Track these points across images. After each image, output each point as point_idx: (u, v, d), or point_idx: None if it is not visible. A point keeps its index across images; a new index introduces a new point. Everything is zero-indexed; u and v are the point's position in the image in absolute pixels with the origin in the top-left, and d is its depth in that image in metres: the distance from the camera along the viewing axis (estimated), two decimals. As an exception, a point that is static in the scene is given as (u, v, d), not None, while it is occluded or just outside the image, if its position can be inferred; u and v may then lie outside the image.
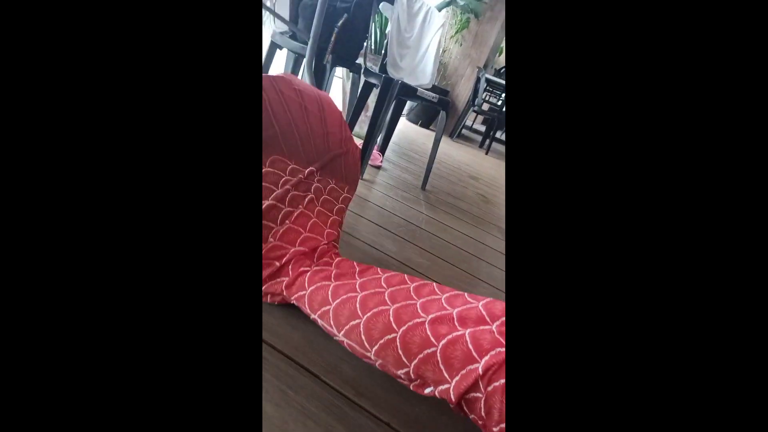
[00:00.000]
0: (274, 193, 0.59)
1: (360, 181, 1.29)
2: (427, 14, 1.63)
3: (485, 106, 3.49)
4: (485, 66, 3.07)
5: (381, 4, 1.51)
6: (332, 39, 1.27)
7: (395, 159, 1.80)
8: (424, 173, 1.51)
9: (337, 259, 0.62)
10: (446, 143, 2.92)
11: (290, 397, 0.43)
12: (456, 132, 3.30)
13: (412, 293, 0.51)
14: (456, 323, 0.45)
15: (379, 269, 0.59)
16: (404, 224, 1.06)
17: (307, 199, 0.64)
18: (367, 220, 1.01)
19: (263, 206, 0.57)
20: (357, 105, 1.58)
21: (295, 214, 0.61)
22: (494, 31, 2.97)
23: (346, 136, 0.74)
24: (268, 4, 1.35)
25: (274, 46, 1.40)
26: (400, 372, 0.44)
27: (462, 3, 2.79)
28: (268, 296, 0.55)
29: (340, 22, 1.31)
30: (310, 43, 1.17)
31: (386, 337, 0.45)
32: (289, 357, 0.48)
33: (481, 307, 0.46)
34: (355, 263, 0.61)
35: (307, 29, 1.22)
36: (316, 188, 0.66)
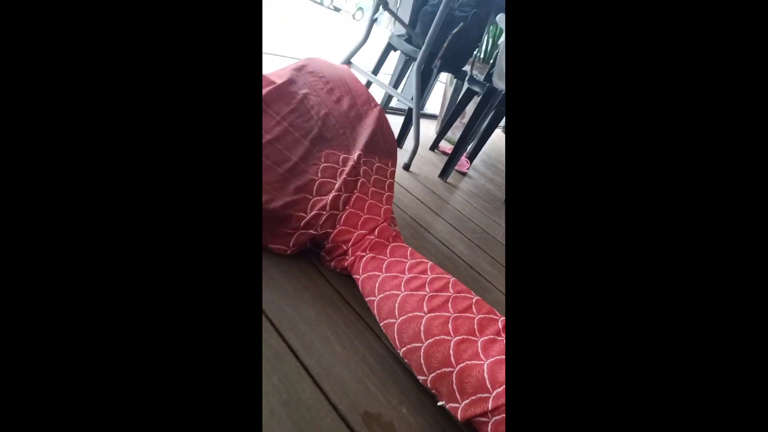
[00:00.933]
0: (336, 186, 0.67)
1: (443, 183, 1.33)
2: (546, 27, 1.58)
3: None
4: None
5: (498, 15, 1.51)
6: (444, 45, 1.34)
7: (482, 169, 1.79)
8: (510, 187, 1.49)
9: (393, 244, 0.68)
10: (540, 162, 2.77)
11: (355, 344, 0.51)
12: (554, 152, 3.09)
13: (449, 305, 0.54)
14: (479, 350, 0.47)
15: (429, 266, 0.63)
16: (479, 231, 1.08)
17: (359, 183, 0.71)
18: (444, 219, 1.05)
19: (330, 197, 0.65)
20: (455, 110, 1.61)
21: (353, 199, 0.69)
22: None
23: (375, 107, 0.80)
24: (390, 7, 1.47)
25: (389, 47, 1.52)
26: (420, 378, 0.47)
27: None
28: (337, 268, 0.64)
29: (456, 29, 1.36)
30: (423, 47, 1.25)
31: (413, 344, 0.48)
32: (358, 314, 0.56)
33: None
34: (408, 252, 0.66)
35: (423, 34, 1.30)
36: (364, 171, 0.73)
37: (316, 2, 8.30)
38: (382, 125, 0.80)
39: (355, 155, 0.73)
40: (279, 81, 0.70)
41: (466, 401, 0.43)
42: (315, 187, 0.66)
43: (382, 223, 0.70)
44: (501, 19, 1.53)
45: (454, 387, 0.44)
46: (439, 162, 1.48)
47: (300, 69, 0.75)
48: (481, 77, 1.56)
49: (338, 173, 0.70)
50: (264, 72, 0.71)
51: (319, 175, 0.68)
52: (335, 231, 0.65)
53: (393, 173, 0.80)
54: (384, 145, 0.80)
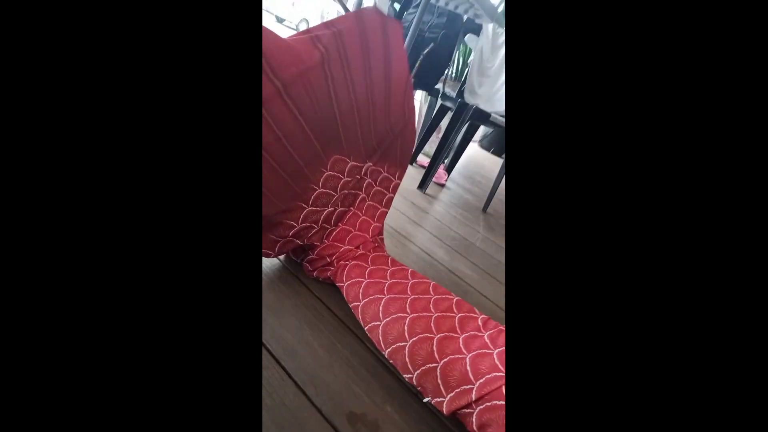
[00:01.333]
0: (334, 199, 0.65)
1: (422, 194, 1.37)
2: (510, 46, 1.69)
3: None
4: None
5: (467, 35, 1.61)
6: (416, 65, 1.40)
7: (460, 180, 1.85)
8: (487, 196, 1.54)
9: (374, 254, 0.69)
10: (516, 173, 2.87)
11: (338, 349, 0.51)
12: (528, 163, 3.22)
13: (431, 306, 0.56)
14: (461, 345, 0.49)
15: (409, 272, 0.64)
16: (459, 238, 1.11)
17: (359, 199, 0.70)
18: (424, 229, 1.07)
19: (325, 212, 0.64)
20: (430, 126, 1.68)
21: (348, 216, 0.69)
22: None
23: (408, 99, 0.71)
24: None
25: (364, 68, 1.58)
26: (405, 376, 0.48)
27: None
28: (320, 278, 0.65)
29: (426, 50, 1.44)
30: (396, 67, 1.31)
31: (398, 344, 0.50)
32: (341, 319, 0.57)
33: (486, 338, 0.51)
34: (389, 259, 0.68)
35: (395, 55, 1.37)
36: (368, 184, 0.71)
37: (291, 28, 8.53)
38: (406, 126, 0.72)
39: (364, 167, 0.68)
40: (312, 59, 0.53)
41: (451, 394, 0.44)
42: (313, 197, 0.61)
43: (368, 239, 0.71)
44: (470, 39, 1.63)
45: (439, 381, 0.45)
46: (418, 175, 1.52)
47: (343, 34, 0.57)
48: (453, 94, 1.63)
49: (339, 186, 0.65)
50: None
51: (320, 185, 0.62)
52: (322, 245, 0.66)
53: (396, 187, 0.75)
54: (399, 151, 0.73)
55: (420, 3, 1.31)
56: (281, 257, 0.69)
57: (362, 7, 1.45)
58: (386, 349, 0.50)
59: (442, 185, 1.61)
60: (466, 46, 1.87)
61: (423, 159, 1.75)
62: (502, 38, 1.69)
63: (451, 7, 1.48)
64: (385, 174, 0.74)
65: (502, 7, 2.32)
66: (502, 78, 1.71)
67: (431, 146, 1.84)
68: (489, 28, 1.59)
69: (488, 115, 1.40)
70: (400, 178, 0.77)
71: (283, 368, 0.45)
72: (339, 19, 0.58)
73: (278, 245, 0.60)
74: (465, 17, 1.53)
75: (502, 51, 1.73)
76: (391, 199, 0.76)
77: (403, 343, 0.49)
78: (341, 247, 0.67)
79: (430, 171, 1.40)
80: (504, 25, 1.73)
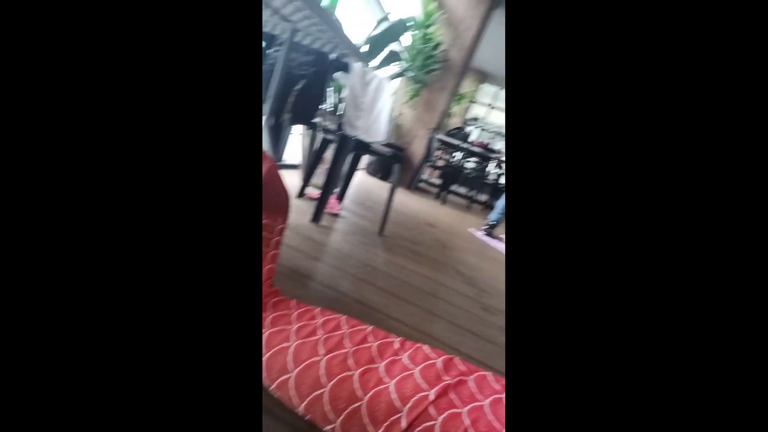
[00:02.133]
0: None
1: (317, 227, 1.32)
2: (379, 83, 1.85)
3: (441, 162, 3.83)
4: (438, 128, 3.42)
5: (337, 73, 1.69)
6: (289, 100, 1.39)
7: (353, 207, 1.87)
8: (381, 220, 1.58)
9: (275, 299, 0.63)
10: (404, 194, 3.09)
11: None
12: (413, 184, 3.51)
13: (346, 341, 0.53)
14: (383, 374, 0.47)
15: (317, 311, 0.60)
16: (361, 266, 1.09)
17: None
18: (324, 263, 1.02)
19: None
20: (315, 158, 1.67)
21: None
22: (443, 98, 3.38)
23: (265, 163, 0.79)
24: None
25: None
26: (326, 428, 0.43)
27: (412, 74, 3.17)
28: None
29: (299, 86, 1.45)
30: (266, 103, 1.27)
31: (315, 393, 0.44)
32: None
33: (406, 358, 0.50)
34: (293, 303, 0.63)
35: (264, 91, 1.33)
36: None
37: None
38: (271, 180, 0.73)
39: None
40: None
41: (380, 431, 0.40)
42: None
43: (264, 281, 0.64)
44: (340, 75, 1.71)
45: (366, 421, 0.41)
46: (309, 207, 1.47)
47: None
48: (333, 127, 1.67)
49: None
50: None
51: None
52: None
53: (281, 230, 0.73)
54: (272, 200, 0.73)
55: (283, 42, 1.32)
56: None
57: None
58: (302, 403, 0.44)
59: (336, 215, 1.59)
60: (337, 82, 1.97)
61: (313, 191, 1.72)
62: (370, 75, 1.84)
63: (317, 45, 1.53)
64: (266, 221, 0.72)
65: (365, 48, 2.54)
66: (377, 110, 1.84)
67: (319, 178, 1.82)
68: (356, 66, 1.70)
69: (369, 145, 1.47)
70: (283, 222, 0.74)
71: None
72: None
73: None
74: (332, 55, 1.61)
75: (372, 86, 1.87)
76: (278, 242, 0.72)
77: (321, 390, 0.44)
78: None
79: (321, 203, 1.37)
80: (368, 64, 1.88)
